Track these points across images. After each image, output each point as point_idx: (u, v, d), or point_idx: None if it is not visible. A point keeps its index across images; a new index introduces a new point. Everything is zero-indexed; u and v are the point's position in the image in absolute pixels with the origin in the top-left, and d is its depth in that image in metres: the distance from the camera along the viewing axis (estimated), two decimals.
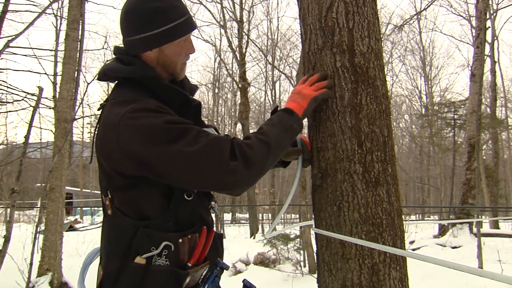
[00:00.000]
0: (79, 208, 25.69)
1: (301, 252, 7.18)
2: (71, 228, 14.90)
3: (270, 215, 21.58)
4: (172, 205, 1.14)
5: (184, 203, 1.16)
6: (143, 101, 1.12)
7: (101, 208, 1.44)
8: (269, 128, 1.16)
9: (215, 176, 1.05)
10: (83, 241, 10.18)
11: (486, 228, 13.12)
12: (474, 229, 8.77)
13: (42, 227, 5.69)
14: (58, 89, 7.88)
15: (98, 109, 1.24)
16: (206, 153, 1.04)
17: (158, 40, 1.19)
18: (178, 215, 1.15)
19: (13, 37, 5.98)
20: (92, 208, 22.08)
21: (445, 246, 9.01)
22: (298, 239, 7.23)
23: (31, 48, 8.73)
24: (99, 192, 1.22)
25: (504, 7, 17.14)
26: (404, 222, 1.32)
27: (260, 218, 19.52)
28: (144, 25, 1.17)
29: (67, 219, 15.21)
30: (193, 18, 1.26)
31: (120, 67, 1.21)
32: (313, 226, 1.37)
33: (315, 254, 1.81)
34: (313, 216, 1.38)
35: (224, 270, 1.23)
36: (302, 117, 1.25)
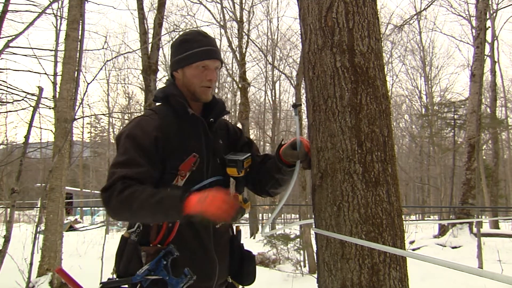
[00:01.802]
0: (79, 208, 25.68)
1: (301, 252, 7.18)
2: (71, 228, 14.90)
3: (270, 215, 21.55)
4: None
5: None
6: (145, 113, 1.53)
7: (101, 208, 1.56)
8: (152, 195, 1.29)
9: None
10: (83, 241, 10.17)
11: (486, 228, 13.12)
12: (474, 229, 8.77)
13: (42, 227, 5.69)
14: (58, 89, 7.88)
15: None
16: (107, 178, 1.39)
17: (179, 63, 1.53)
18: None
19: (13, 37, 5.98)
20: (92, 208, 22.06)
21: (445, 246, 9.01)
22: (298, 239, 7.23)
23: (31, 48, 8.74)
24: (99, 192, 1.41)
25: (504, 7, 17.14)
26: (404, 222, 1.32)
27: (260, 218, 19.51)
28: (174, 52, 1.56)
29: (67, 219, 15.20)
30: (215, 51, 1.54)
31: (159, 89, 1.59)
32: (313, 226, 1.37)
33: (315, 254, 1.81)
34: (313, 216, 1.38)
35: (175, 256, 1.36)
36: (185, 216, 1.28)
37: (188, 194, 1.27)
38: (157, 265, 1.32)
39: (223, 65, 1.65)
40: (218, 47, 1.59)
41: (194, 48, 1.51)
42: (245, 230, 16.86)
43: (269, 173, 1.59)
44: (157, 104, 1.59)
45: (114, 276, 1.43)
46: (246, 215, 16.57)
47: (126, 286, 1.37)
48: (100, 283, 1.33)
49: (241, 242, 1.65)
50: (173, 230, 1.40)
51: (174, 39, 1.62)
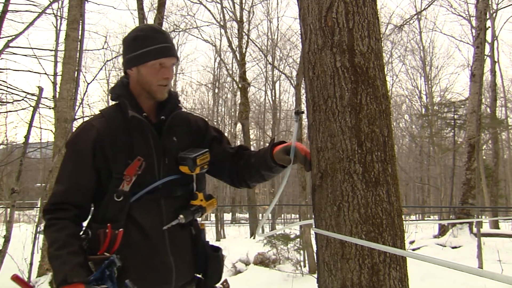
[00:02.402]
0: None
1: (301, 252, 7.18)
2: None
3: (270, 215, 21.59)
4: (103, 202, 1.40)
5: (112, 203, 1.39)
6: (91, 118, 1.52)
7: None
8: (58, 257, 1.31)
9: None
10: None
11: (486, 228, 13.12)
12: (474, 229, 8.77)
13: (42, 227, 5.68)
14: (58, 89, 7.88)
15: None
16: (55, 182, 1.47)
17: (133, 61, 1.46)
18: (106, 211, 1.40)
19: (13, 37, 5.98)
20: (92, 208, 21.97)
21: (445, 246, 9.01)
22: (298, 239, 7.23)
23: (31, 48, 8.74)
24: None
25: (504, 7, 17.14)
26: (404, 222, 1.32)
27: (260, 218, 19.51)
28: (126, 49, 1.49)
29: None
30: (170, 48, 1.48)
31: (111, 87, 1.54)
32: (313, 226, 1.37)
33: (315, 254, 1.81)
34: (313, 216, 1.38)
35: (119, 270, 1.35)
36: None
37: (71, 280, 1.26)
38: (102, 274, 1.30)
39: (179, 61, 1.59)
40: (173, 42, 1.53)
41: (150, 45, 1.44)
42: (245, 230, 16.87)
43: (254, 168, 1.54)
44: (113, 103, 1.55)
45: None
46: (246, 215, 16.56)
47: None
48: None
49: (206, 240, 1.59)
50: (118, 237, 1.36)
51: (126, 35, 1.53)
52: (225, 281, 1.62)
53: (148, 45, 1.44)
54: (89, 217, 1.48)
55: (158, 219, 1.43)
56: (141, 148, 1.43)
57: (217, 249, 1.61)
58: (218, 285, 1.59)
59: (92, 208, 1.48)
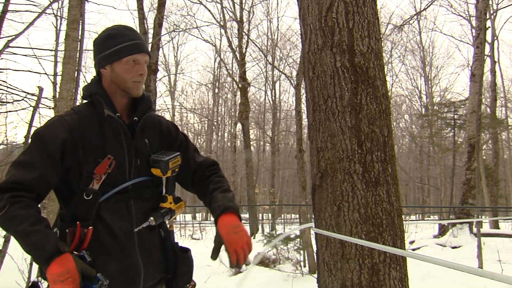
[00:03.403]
0: None
1: (301, 252, 7.18)
2: None
3: (270, 215, 21.59)
4: (73, 201, 1.39)
5: (81, 201, 1.38)
6: (63, 113, 1.48)
7: None
8: (28, 234, 1.27)
9: None
10: None
11: (486, 228, 13.11)
12: (474, 229, 8.77)
13: None
14: (58, 89, 7.88)
15: None
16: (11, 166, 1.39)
17: (107, 59, 1.46)
18: (76, 210, 1.39)
19: (13, 37, 5.98)
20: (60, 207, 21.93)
21: (445, 246, 9.01)
22: (298, 239, 7.23)
23: (31, 48, 8.72)
24: None
25: (504, 7, 17.13)
26: (404, 222, 1.32)
27: (260, 218, 19.51)
28: (99, 48, 1.49)
29: None
30: (143, 44, 1.50)
31: (83, 86, 1.52)
32: (313, 226, 1.37)
33: (315, 254, 1.81)
34: (313, 217, 1.38)
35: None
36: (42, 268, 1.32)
37: (54, 258, 1.25)
38: None
39: (151, 58, 1.58)
40: (144, 40, 1.54)
41: (122, 42, 1.45)
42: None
43: (204, 200, 1.59)
44: (84, 101, 1.53)
45: (40, 279, 1.43)
46: (246, 215, 16.56)
47: None
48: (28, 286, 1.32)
49: (175, 241, 1.59)
50: (87, 235, 1.35)
51: (97, 35, 1.53)
52: (193, 282, 1.62)
53: (121, 42, 1.45)
54: (57, 216, 1.47)
55: (128, 220, 1.44)
56: (113, 148, 1.43)
57: (186, 250, 1.61)
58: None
59: (60, 208, 1.47)
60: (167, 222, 1.58)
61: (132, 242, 1.44)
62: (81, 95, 1.53)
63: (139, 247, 1.45)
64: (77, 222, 1.35)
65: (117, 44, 1.45)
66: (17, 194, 1.31)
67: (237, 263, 1.35)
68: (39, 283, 1.40)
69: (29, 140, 1.46)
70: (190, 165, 1.61)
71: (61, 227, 1.38)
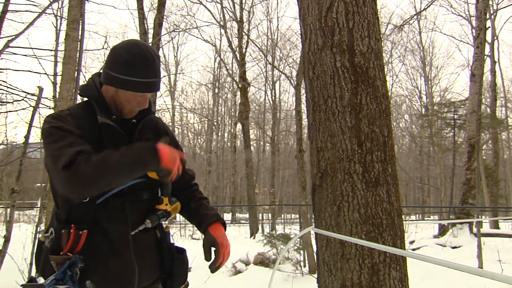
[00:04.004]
0: None
1: (301, 252, 7.18)
2: None
3: (270, 215, 21.59)
4: (69, 202, 1.38)
5: (78, 203, 1.37)
6: (59, 112, 1.45)
7: None
8: (125, 153, 1.32)
9: (54, 180, 1.34)
10: None
11: (486, 228, 13.11)
12: (474, 229, 8.77)
13: (42, 227, 5.69)
14: (58, 89, 7.88)
15: None
16: (51, 162, 1.31)
17: (115, 82, 1.43)
18: (71, 211, 1.38)
19: (13, 37, 5.98)
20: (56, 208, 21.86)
21: (445, 246, 9.01)
22: (298, 239, 7.22)
23: (31, 48, 8.72)
24: (59, 171, 1.39)
25: (504, 7, 17.13)
26: (404, 222, 1.32)
27: (260, 218, 19.51)
28: (113, 65, 1.44)
29: None
30: (155, 84, 1.45)
31: (81, 85, 1.53)
32: (313, 226, 1.37)
33: (315, 254, 1.81)
34: (313, 217, 1.38)
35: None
36: (160, 169, 1.35)
37: (157, 145, 1.33)
38: (64, 275, 1.30)
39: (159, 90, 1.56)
40: (160, 72, 1.49)
41: (136, 76, 1.40)
42: (245, 230, 16.84)
43: (187, 215, 1.68)
44: (81, 100, 1.54)
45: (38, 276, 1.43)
46: (246, 215, 16.56)
47: None
48: (21, 285, 1.30)
49: (171, 242, 1.61)
50: (82, 238, 1.35)
51: (119, 47, 1.46)
52: (187, 282, 1.63)
53: (135, 75, 1.40)
54: (52, 215, 1.48)
55: (123, 222, 1.44)
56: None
57: (182, 251, 1.63)
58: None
59: (56, 207, 1.47)
60: (163, 224, 1.58)
61: (127, 244, 1.44)
62: (79, 93, 1.52)
63: (134, 249, 1.45)
64: (72, 225, 1.35)
65: (132, 75, 1.40)
66: (87, 154, 1.30)
67: (218, 265, 1.50)
68: (37, 279, 1.40)
69: (45, 139, 1.39)
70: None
71: (56, 227, 1.39)
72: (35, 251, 1.46)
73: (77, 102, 6.31)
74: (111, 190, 1.41)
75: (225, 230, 1.59)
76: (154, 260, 1.53)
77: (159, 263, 1.55)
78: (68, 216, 1.39)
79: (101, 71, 1.52)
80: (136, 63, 1.41)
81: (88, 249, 1.36)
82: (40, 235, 1.42)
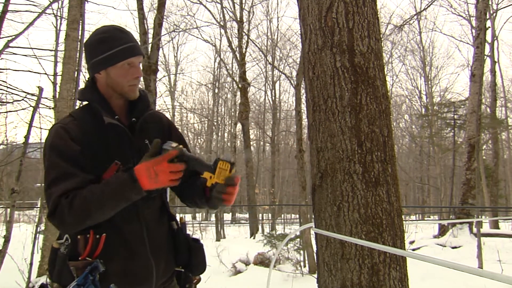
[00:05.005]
0: None
1: (301, 252, 7.18)
2: None
3: (270, 215, 21.58)
4: None
5: None
6: (62, 120, 1.46)
7: None
8: (103, 191, 1.30)
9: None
10: None
11: (486, 228, 13.11)
12: (474, 229, 8.77)
13: (42, 227, 5.69)
14: (58, 89, 7.88)
15: None
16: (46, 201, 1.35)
17: (102, 64, 1.44)
18: None
19: (13, 37, 5.98)
20: None
21: (445, 246, 9.01)
22: (298, 239, 7.23)
23: (31, 48, 8.73)
24: (48, 219, 1.43)
25: (504, 7, 17.14)
26: (404, 222, 1.32)
27: (260, 218, 19.51)
28: (92, 53, 1.46)
29: None
30: (136, 46, 1.48)
31: (79, 91, 1.54)
32: (313, 226, 1.37)
33: (315, 254, 1.81)
34: (313, 217, 1.38)
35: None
36: (146, 192, 1.31)
37: (134, 175, 1.29)
38: (85, 280, 1.30)
39: (144, 57, 1.57)
40: (136, 40, 1.51)
41: (116, 46, 1.43)
42: (245, 230, 16.85)
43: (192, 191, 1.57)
44: (83, 103, 1.52)
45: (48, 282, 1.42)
46: (246, 215, 16.56)
47: None
48: None
49: (187, 233, 1.60)
50: (100, 242, 1.36)
51: (89, 38, 1.50)
52: (199, 278, 1.63)
53: (115, 46, 1.43)
54: None
55: (137, 222, 1.44)
56: (117, 152, 1.43)
57: (197, 240, 1.63)
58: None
59: None
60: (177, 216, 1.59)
61: (143, 243, 1.44)
62: (78, 98, 1.52)
63: (150, 247, 1.45)
64: (91, 230, 1.35)
65: (110, 48, 1.43)
66: (71, 194, 1.30)
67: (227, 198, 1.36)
68: (48, 285, 1.40)
69: (44, 155, 1.42)
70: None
71: (72, 234, 1.38)
72: (49, 258, 1.44)
73: (77, 102, 6.31)
74: None
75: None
76: (169, 255, 1.53)
77: (174, 257, 1.55)
78: None
79: (87, 72, 1.53)
80: (108, 37, 1.44)
81: (106, 252, 1.36)
82: (54, 243, 1.41)
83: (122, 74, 1.45)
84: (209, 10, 16.14)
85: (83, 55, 1.53)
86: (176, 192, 1.67)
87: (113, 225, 1.39)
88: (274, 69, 21.20)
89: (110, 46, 1.43)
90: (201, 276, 1.62)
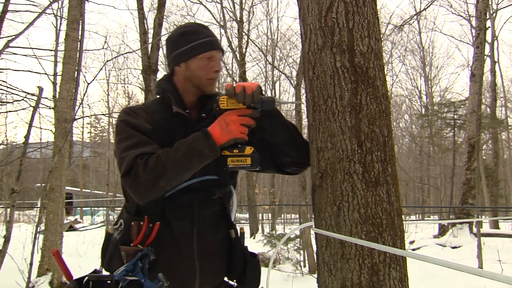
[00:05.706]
0: (79, 208, 25.65)
1: (301, 252, 7.19)
2: (71, 228, 14.90)
3: (270, 215, 21.59)
4: None
5: None
6: (132, 107, 1.48)
7: (101, 208, 1.53)
8: (177, 149, 1.30)
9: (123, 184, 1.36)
10: (83, 241, 10.17)
11: (486, 228, 13.12)
12: (474, 229, 8.77)
13: (42, 227, 5.69)
14: (58, 89, 7.88)
15: None
16: (118, 165, 1.36)
17: (183, 56, 1.46)
18: (140, 204, 1.36)
19: (13, 37, 5.98)
20: (92, 208, 22.01)
21: (445, 246, 9.01)
22: (298, 239, 7.23)
23: (31, 48, 8.74)
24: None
25: (504, 7, 17.16)
26: (404, 222, 1.32)
27: (260, 218, 19.51)
28: (174, 46, 1.49)
29: (67, 219, 15.21)
30: (218, 41, 1.51)
31: (156, 82, 1.56)
32: (313, 226, 1.37)
33: (315, 254, 1.81)
34: (313, 217, 1.38)
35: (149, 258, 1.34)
36: (219, 147, 1.31)
37: (207, 129, 1.31)
38: (134, 266, 1.29)
39: (224, 55, 1.57)
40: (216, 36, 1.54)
41: (198, 39, 1.45)
42: (245, 230, 16.85)
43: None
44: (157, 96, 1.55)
45: (102, 269, 1.40)
46: (246, 215, 16.58)
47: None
48: (88, 275, 1.30)
49: (245, 244, 1.54)
50: (154, 230, 1.35)
51: (171, 33, 1.55)
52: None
53: (197, 39, 1.46)
54: (122, 208, 1.49)
55: (189, 221, 1.41)
56: None
57: (255, 255, 1.58)
58: None
59: (126, 201, 1.47)
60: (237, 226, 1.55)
61: (190, 244, 1.41)
62: (155, 90, 1.54)
63: (197, 250, 1.41)
64: (145, 216, 1.36)
65: (192, 41, 1.45)
66: (146, 156, 1.30)
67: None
68: (102, 271, 1.39)
69: (117, 132, 1.43)
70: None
71: (126, 219, 1.39)
72: (102, 244, 1.43)
73: (77, 102, 6.31)
74: (178, 186, 1.37)
75: None
76: (220, 264, 1.48)
77: (226, 267, 1.50)
78: (137, 208, 1.39)
79: (167, 67, 1.56)
80: (190, 31, 1.48)
81: (157, 244, 1.36)
82: (109, 228, 1.41)
83: (202, 67, 1.46)
84: (209, 10, 16.20)
85: (166, 50, 1.54)
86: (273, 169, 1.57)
87: (165, 217, 1.39)
88: (274, 69, 21.19)
89: (192, 38, 1.46)
90: None
